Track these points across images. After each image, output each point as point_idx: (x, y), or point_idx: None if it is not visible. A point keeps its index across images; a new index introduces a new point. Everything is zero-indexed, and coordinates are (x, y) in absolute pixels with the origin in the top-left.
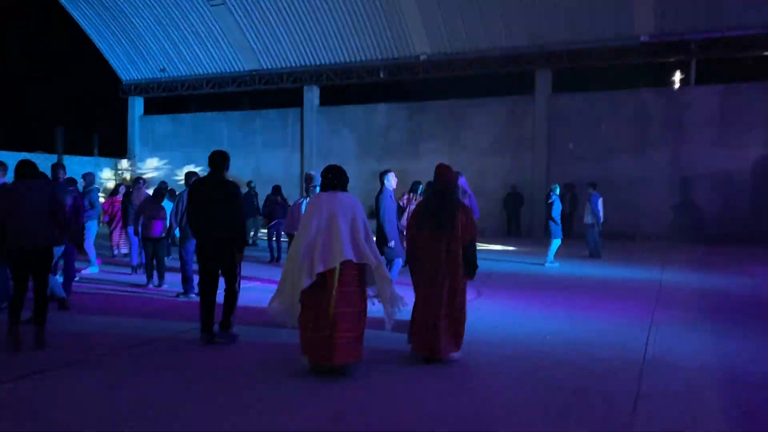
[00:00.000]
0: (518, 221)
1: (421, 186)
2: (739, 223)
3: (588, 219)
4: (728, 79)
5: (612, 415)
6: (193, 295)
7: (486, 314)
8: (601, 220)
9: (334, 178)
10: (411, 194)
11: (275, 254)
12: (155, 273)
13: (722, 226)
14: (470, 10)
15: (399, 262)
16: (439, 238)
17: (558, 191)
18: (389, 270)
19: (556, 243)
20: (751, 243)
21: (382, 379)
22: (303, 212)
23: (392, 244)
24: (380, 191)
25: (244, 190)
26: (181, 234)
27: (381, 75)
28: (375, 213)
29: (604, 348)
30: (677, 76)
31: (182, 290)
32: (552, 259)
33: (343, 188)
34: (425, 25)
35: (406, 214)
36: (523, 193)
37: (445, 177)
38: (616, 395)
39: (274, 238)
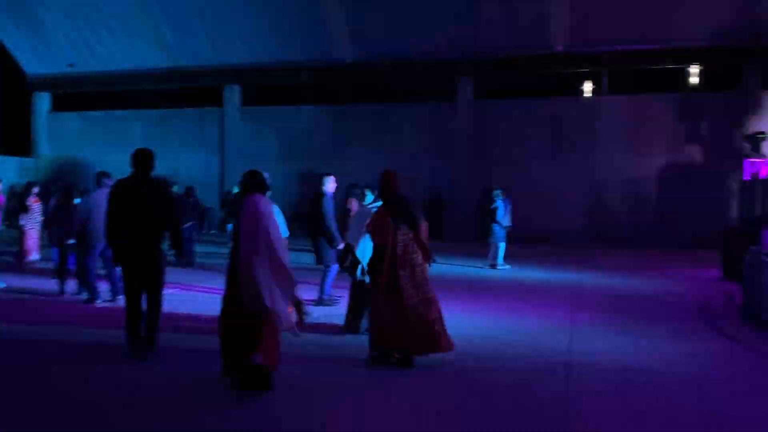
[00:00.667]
0: (440, 225)
1: (368, 192)
2: (646, 226)
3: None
4: (636, 90)
5: (545, 417)
6: (99, 302)
7: None
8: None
9: (258, 182)
10: (355, 199)
11: (191, 259)
12: (71, 281)
13: (631, 229)
14: (395, 15)
15: (335, 268)
16: (411, 239)
17: (500, 196)
18: (326, 276)
19: (503, 246)
20: (657, 246)
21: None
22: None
23: (341, 246)
24: (321, 195)
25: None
26: (88, 238)
27: (305, 77)
28: (315, 216)
29: (530, 350)
30: (591, 86)
31: (88, 296)
32: (502, 262)
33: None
34: (350, 28)
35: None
36: (446, 198)
37: (396, 180)
38: (547, 397)
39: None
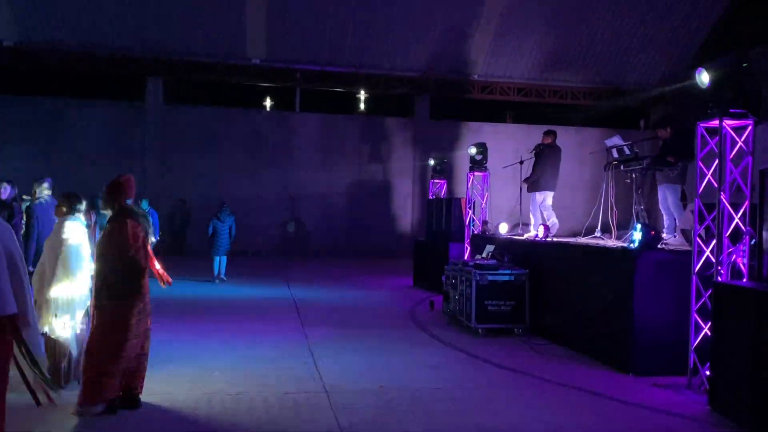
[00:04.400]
0: None
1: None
2: (337, 238)
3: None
4: (328, 109)
5: None
6: None
7: None
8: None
9: None
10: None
11: None
12: None
13: (324, 241)
14: None
15: None
16: None
17: (228, 211)
18: None
19: (217, 260)
20: (346, 256)
21: None
22: None
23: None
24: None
25: None
26: None
27: None
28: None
29: (280, 379)
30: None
31: None
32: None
33: None
34: (11, 6)
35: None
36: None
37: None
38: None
39: None
